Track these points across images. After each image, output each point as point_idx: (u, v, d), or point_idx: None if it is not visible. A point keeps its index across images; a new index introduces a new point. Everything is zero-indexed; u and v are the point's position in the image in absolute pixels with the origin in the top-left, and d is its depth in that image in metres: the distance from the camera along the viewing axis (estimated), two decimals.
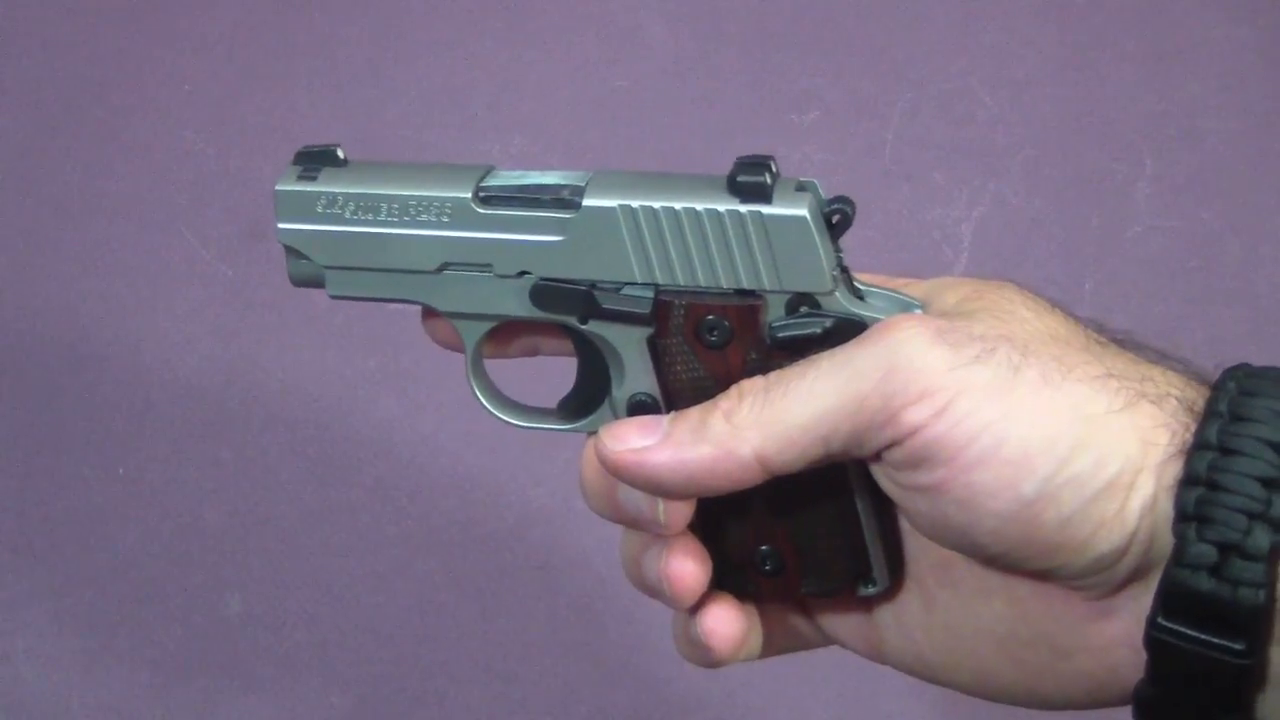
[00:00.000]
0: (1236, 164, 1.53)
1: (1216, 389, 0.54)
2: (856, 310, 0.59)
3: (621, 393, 0.62)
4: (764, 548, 0.63)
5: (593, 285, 0.61)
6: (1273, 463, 0.51)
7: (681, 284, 0.60)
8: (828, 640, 0.67)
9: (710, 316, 0.60)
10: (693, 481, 0.58)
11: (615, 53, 1.59)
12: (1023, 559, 0.55)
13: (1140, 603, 0.54)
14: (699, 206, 0.59)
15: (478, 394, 0.66)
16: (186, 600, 1.39)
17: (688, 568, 0.61)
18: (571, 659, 1.37)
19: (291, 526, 1.41)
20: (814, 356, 0.57)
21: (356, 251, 0.63)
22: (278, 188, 0.64)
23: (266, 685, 1.37)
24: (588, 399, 0.64)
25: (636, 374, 0.62)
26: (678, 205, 0.59)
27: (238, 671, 1.37)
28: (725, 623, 0.63)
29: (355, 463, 1.43)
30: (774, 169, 0.60)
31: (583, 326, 0.62)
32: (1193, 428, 0.53)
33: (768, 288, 0.59)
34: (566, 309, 0.62)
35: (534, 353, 0.67)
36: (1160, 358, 0.58)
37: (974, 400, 0.53)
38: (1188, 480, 0.52)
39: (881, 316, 0.58)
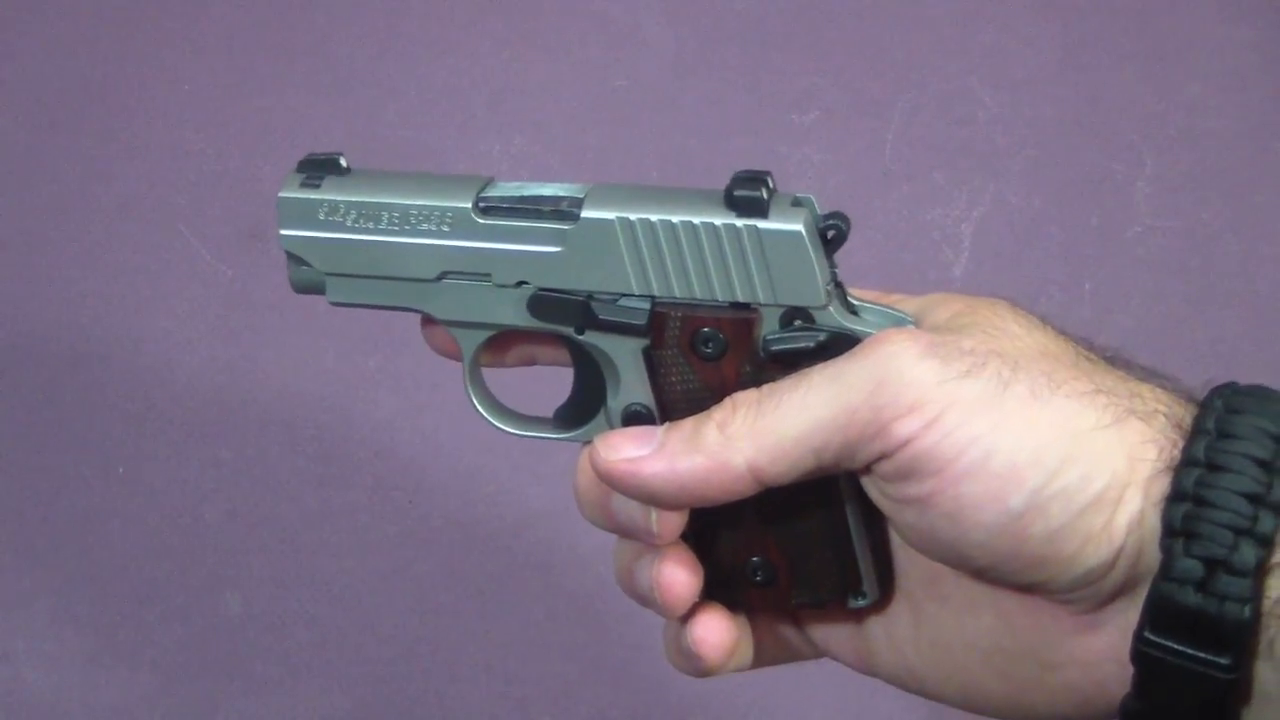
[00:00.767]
0: (1236, 164, 1.53)
1: (1204, 407, 0.55)
2: (850, 325, 0.60)
3: (617, 403, 0.63)
4: (755, 559, 0.63)
5: (590, 296, 0.62)
6: (1258, 479, 0.52)
7: (678, 296, 0.61)
8: (819, 652, 0.68)
9: (705, 329, 0.60)
10: (686, 492, 0.58)
11: (615, 53, 1.59)
12: (1010, 572, 0.56)
13: (1127, 617, 0.54)
14: (696, 220, 0.60)
15: (475, 402, 0.67)
16: (186, 600, 1.39)
17: (679, 577, 0.62)
18: (571, 659, 1.37)
19: (291, 526, 1.41)
20: (806, 370, 0.58)
21: (357, 259, 0.64)
22: (280, 194, 0.64)
23: (266, 685, 1.37)
24: (584, 408, 0.65)
25: (632, 385, 0.62)
26: (675, 219, 0.60)
27: (238, 671, 1.37)
28: (715, 632, 0.63)
29: (355, 463, 1.43)
30: (770, 184, 0.60)
31: (579, 337, 0.62)
32: (1180, 444, 0.54)
33: (762, 301, 0.60)
34: (563, 319, 0.62)
35: (531, 362, 0.68)
36: (1149, 374, 0.58)
37: (963, 414, 0.54)
38: (1175, 496, 0.52)
39: (874, 331, 0.59)
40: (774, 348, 0.60)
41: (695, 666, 0.64)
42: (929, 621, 0.62)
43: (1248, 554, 0.51)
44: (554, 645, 1.37)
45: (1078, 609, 0.56)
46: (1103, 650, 0.56)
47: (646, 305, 0.61)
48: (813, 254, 0.59)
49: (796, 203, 0.60)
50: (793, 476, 0.57)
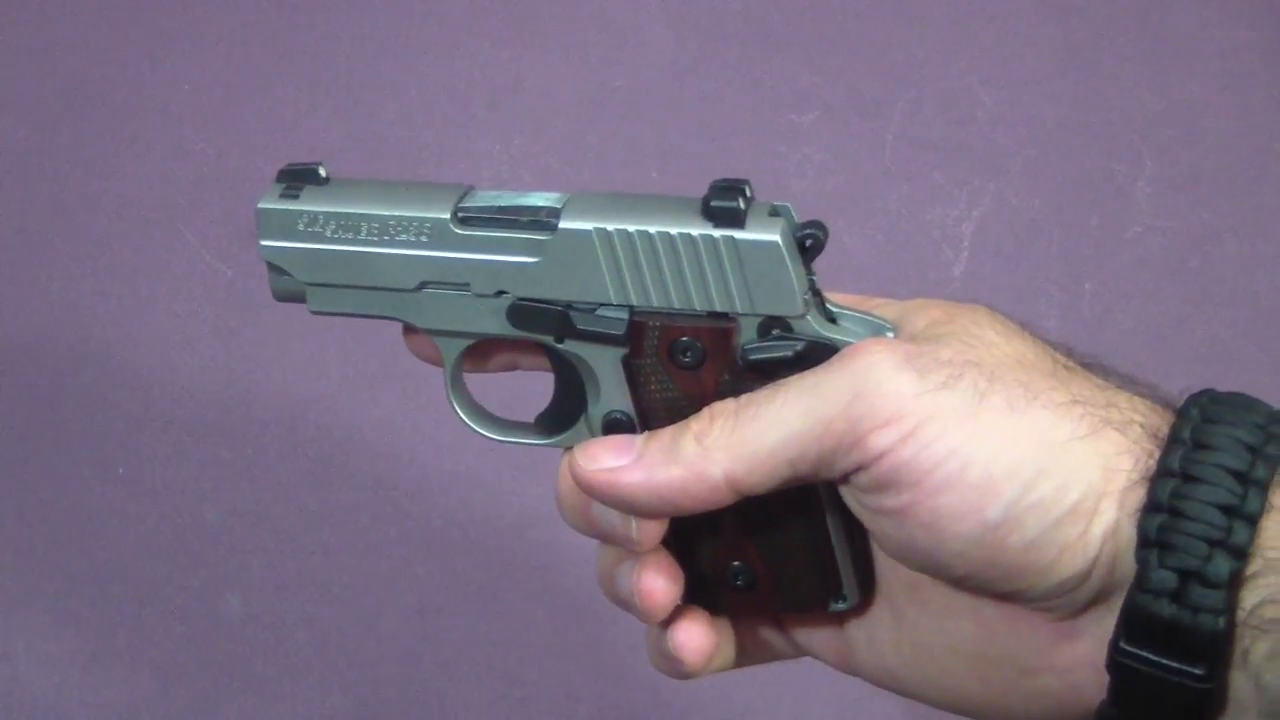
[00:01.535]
0: (1236, 164, 1.53)
1: (1180, 416, 0.55)
2: (828, 333, 0.60)
3: (597, 410, 0.63)
4: (736, 563, 0.64)
5: (569, 306, 0.62)
6: (1233, 490, 0.52)
7: (656, 306, 0.61)
8: (800, 652, 0.68)
9: (684, 338, 0.61)
10: (664, 502, 0.59)
11: (615, 53, 1.59)
12: (987, 581, 0.56)
13: (1103, 625, 0.55)
14: (673, 230, 0.60)
15: (456, 408, 0.67)
16: (186, 600, 1.39)
17: (658, 584, 0.62)
18: (571, 659, 1.37)
19: (291, 526, 1.41)
20: (783, 380, 0.58)
21: (337, 269, 0.64)
22: (259, 206, 0.65)
23: (266, 685, 1.37)
24: (565, 415, 0.65)
25: (612, 393, 0.63)
26: (652, 229, 0.60)
27: (238, 672, 1.37)
28: (695, 636, 0.64)
29: (355, 463, 1.43)
30: (748, 193, 0.60)
31: (559, 346, 0.63)
32: (1156, 454, 0.54)
33: (740, 311, 0.60)
34: (543, 328, 0.63)
35: (514, 368, 0.68)
36: (1126, 382, 0.59)
37: (940, 426, 0.54)
38: (1150, 507, 0.53)
39: (852, 340, 0.59)
40: (752, 357, 0.60)
41: (676, 669, 0.65)
42: (909, 626, 0.63)
43: (1221, 565, 0.51)
44: (554, 645, 1.37)
45: (1054, 616, 0.57)
46: (1080, 657, 0.57)
47: (625, 315, 0.61)
48: (789, 264, 0.59)
49: (774, 212, 0.60)
50: (769, 486, 0.58)
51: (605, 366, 0.62)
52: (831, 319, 0.61)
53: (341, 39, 1.59)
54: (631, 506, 0.60)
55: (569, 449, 0.63)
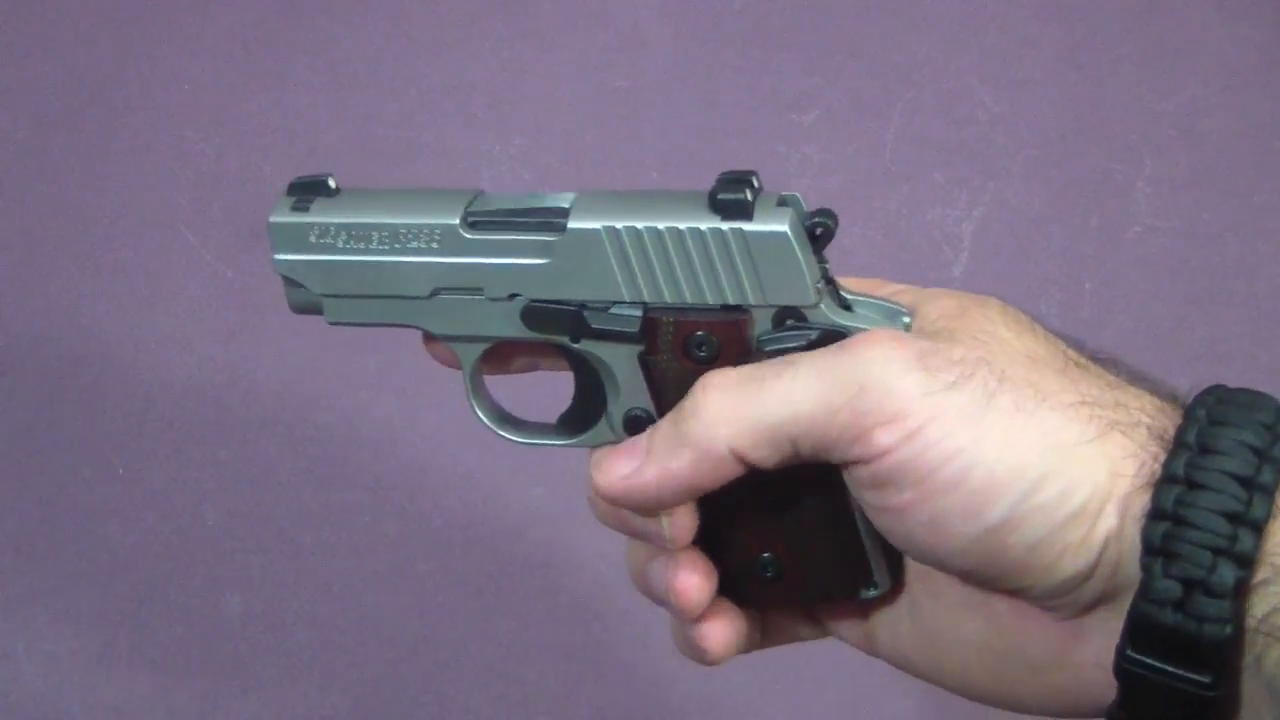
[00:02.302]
0: (1236, 164, 1.53)
1: (1187, 418, 0.54)
2: (842, 321, 0.60)
3: (617, 408, 0.63)
4: (765, 555, 0.64)
5: (582, 305, 0.62)
6: (1238, 497, 0.52)
7: (668, 301, 0.61)
8: (824, 633, 0.68)
9: (699, 332, 0.61)
10: (685, 487, 0.59)
11: (615, 53, 1.59)
12: (990, 578, 0.56)
13: (1110, 626, 0.54)
14: (681, 225, 0.60)
15: (477, 412, 0.67)
16: (186, 600, 1.39)
17: (693, 581, 0.62)
18: (571, 659, 1.37)
19: (291, 526, 1.41)
20: (794, 356, 0.58)
21: (351, 280, 0.64)
22: (271, 219, 0.65)
23: (266, 685, 1.37)
24: (586, 414, 0.65)
25: (631, 389, 0.63)
26: (660, 225, 0.60)
27: (238, 671, 1.37)
28: (724, 629, 0.64)
29: (355, 463, 1.43)
30: (756, 184, 0.60)
31: (575, 346, 0.63)
32: (1162, 458, 0.54)
33: (752, 303, 0.60)
34: (557, 329, 0.63)
35: (534, 368, 0.68)
36: (1137, 378, 0.58)
37: (945, 426, 0.54)
38: (1154, 514, 0.52)
39: (867, 327, 0.59)
40: (767, 348, 0.60)
41: (701, 658, 0.65)
42: (924, 615, 0.63)
43: (1226, 574, 0.51)
44: (554, 645, 1.37)
45: (1061, 615, 0.57)
46: (1088, 657, 0.56)
47: (638, 312, 0.61)
48: (799, 254, 0.59)
49: (782, 202, 0.60)
50: (775, 461, 0.57)
51: (622, 364, 0.62)
52: (846, 306, 0.61)
53: (341, 39, 1.59)
54: (658, 502, 0.60)
55: (594, 447, 0.63)
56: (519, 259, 0.62)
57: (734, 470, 0.58)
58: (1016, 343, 0.58)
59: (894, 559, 0.64)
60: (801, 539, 0.63)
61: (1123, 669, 0.53)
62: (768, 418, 0.57)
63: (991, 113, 1.56)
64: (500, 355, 0.66)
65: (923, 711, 1.32)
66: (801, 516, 0.62)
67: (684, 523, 0.61)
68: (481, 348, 0.65)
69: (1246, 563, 0.51)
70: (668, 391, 0.62)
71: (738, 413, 0.57)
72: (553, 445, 0.66)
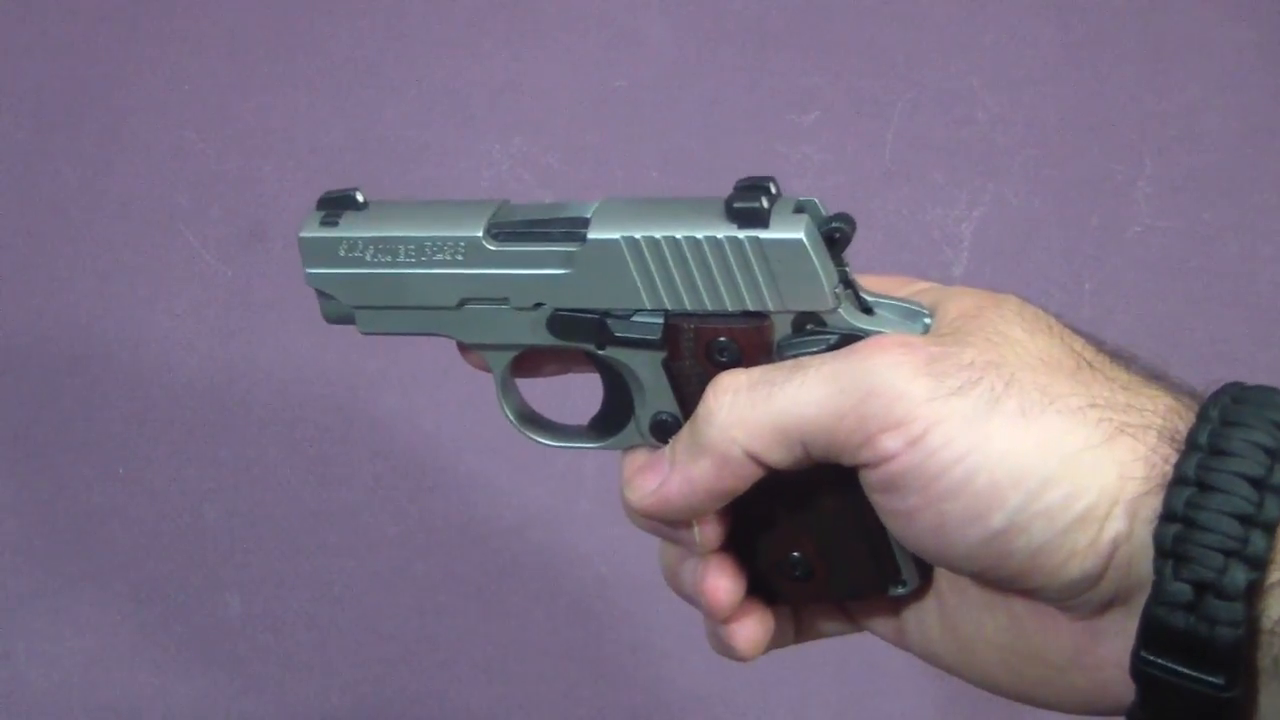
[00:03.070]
0: (1236, 164, 1.53)
1: (1200, 418, 0.54)
2: (862, 325, 0.60)
3: (644, 412, 0.64)
4: (794, 555, 0.65)
5: (605, 314, 0.63)
6: (1249, 499, 0.51)
7: (689, 309, 0.62)
8: (858, 628, 0.69)
9: (720, 339, 0.61)
10: (713, 494, 0.60)
11: (615, 53, 1.59)
12: (999, 579, 0.57)
13: (1126, 627, 0.54)
14: (698, 234, 0.60)
15: (509, 417, 0.68)
16: (186, 600, 1.39)
17: (722, 584, 0.64)
18: (571, 659, 1.37)
19: (291, 526, 1.41)
20: (805, 360, 0.59)
21: (380, 292, 0.66)
22: (301, 234, 0.66)
23: (266, 685, 1.37)
24: (615, 418, 0.66)
25: (657, 395, 0.64)
26: (679, 234, 0.61)
27: (238, 671, 1.37)
28: (754, 628, 0.65)
29: (355, 463, 1.43)
30: (773, 190, 0.61)
31: (600, 352, 0.64)
32: (1173, 460, 0.53)
33: (771, 309, 0.61)
34: (582, 337, 0.64)
35: (564, 372, 0.69)
36: (1151, 376, 0.58)
37: (949, 432, 0.54)
38: (1165, 517, 0.52)
39: (886, 330, 0.59)
40: (788, 353, 0.60)
41: (733, 656, 0.66)
42: (950, 612, 0.64)
43: (1238, 576, 0.51)
44: (554, 645, 1.37)
45: (1076, 615, 0.57)
46: (1107, 657, 0.57)
47: (660, 320, 0.62)
48: (816, 260, 0.59)
49: (799, 208, 0.61)
50: (790, 463, 0.58)
51: (647, 370, 0.63)
52: (867, 309, 0.62)
53: (341, 39, 1.59)
54: (690, 511, 0.61)
55: (628, 449, 0.65)
56: (542, 269, 0.63)
57: (753, 472, 0.59)
58: (1030, 344, 0.58)
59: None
60: (830, 539, 0.64)
61: (1138, 670, 0.53)
62: (778, 420, 0.57)
63: (991, 113, 1.56)
64: (531, 361, 0.68)
65: (923, 711, 1.32)
66: (829, 517, 0.63)
67: (713, 528, 0.63)
68: (511, 355, 0.66)
69: (1259, 565, 0.51)
70: (693, 395, 0.62)
71: (749, 415, 0.58)
72: (584, 448, 0.68)
